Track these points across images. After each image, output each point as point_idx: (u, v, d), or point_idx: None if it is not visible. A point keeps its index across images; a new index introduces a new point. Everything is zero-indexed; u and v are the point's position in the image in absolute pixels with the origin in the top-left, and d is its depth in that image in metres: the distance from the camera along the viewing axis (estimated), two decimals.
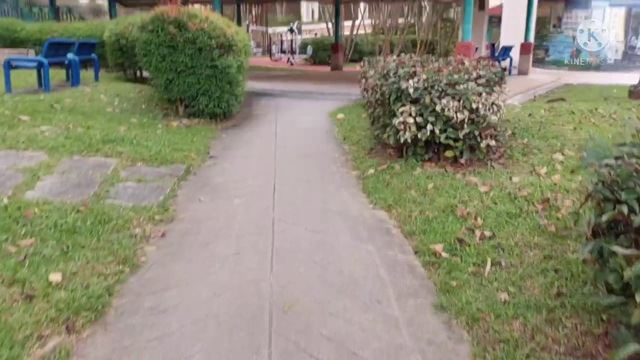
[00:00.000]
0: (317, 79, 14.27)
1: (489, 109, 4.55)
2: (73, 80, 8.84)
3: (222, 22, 7.20)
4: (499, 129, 4.66)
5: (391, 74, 5.08)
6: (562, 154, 4.71)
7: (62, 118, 6.00)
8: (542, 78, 14.18)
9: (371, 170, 4.81)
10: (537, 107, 7.40)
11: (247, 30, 29.05)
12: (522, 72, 14.50)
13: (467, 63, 5.32)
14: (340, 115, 7.77)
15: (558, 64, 17.15)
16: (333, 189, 4.46)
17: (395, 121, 4.60)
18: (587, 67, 16.89)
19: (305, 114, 8.28)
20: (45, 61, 7.64)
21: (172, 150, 5.25)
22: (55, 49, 8.18)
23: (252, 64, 22.19)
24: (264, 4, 28.16)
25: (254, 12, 33.18)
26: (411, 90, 4.58)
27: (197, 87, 6.90)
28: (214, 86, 6.95)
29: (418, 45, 26.46)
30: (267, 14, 32.76)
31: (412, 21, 26.72)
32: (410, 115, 4.54)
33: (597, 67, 16.73)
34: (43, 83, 7.96)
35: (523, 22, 22.01)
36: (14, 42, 14.54)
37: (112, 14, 15.77)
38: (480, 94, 4.52)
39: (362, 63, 8.65)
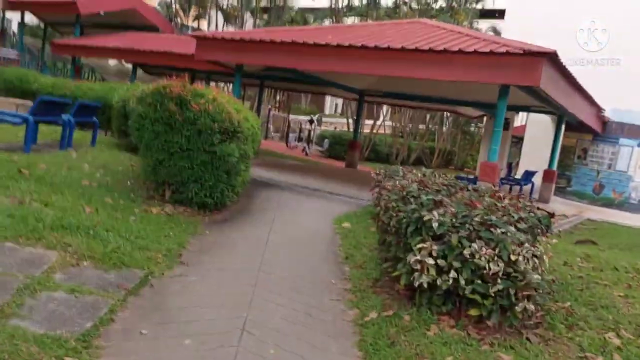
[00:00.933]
0: (329, 175, 13.59)
1: (529, 263, 3.59)
2: (64, 142, 8.15)
3: (231, 105, 6.56)
4: (540, 290, 3.67)
5: (411, 199, 4.21)
6: (618, 335, 3.66)
7: (23, 187, 5.15)
8: (563, 209, 13.37)
9: (373, 314, 3.78)
10: (570, 253, 6.43)
11: (268, 114, 29.27)
12: (543, 199, 13.72)
13: (506, 201, 4.43)
14: (347, 224, 6.86)
15: (579, 195, 16.42)
16: (320, 340, 3.41)
17: (411, 258, 3.65)
18: (609, 203, 16.10)
19: (307, 216, 7.38)
20: (31, 119, 6.98)
21: (135, 248, 4.30)
22: (48, 108, 7.57)
23: (267, 149, 21.97)
24: (289, 91, 28.55)
25: (278, 98, 33.76)
26: (435, 225, 3.67)
27: (189, 173, 6.09)
28: (209, 174, 6.15)
29: (436, 154, 26.22)
30: (291, 101, 33.27)
31: (433, 129, 26.71)
32: (430, 254, 3.59)
33: (620, 205, 15.93)
34: (27, 141, 7.25)
35: (544, 146, 21.71)
36: (26, 94, 14.27)
37: (132, 78, 15.62)
38: (521, 244, 3.58)
39: (377, 172, 7.90)
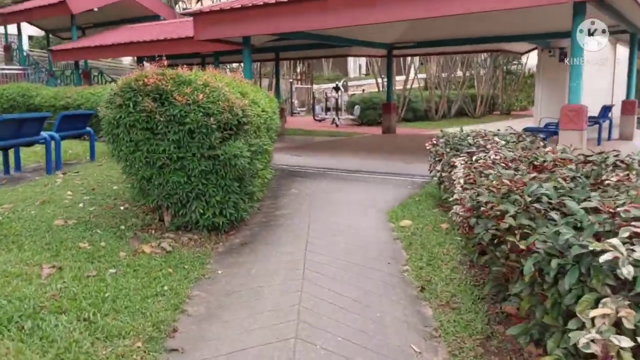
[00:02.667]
0: (366, 148, 11.83)
1: None
2: (49, 165, 6.75)
3: (233, 89, 4.92)
4: None
5: (546, 211, 2.44)
6: None
7: None
8: None
9: None
10: None
11: (291, 89, 27.46)
12: (625, 136, 11.56)
13: None
14: (406, 222, 5.16)
15: None
16: None
17: (579, 338, 1.91)
18: None
19: (351, 214, 5.73)
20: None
21: (100, 337, 2.78)
22: (17, 126, 6.12)
23: (293, 126, 20.26)
24: (309, 59, 26.61)
25: (298, 69, 31.87)
26: (626, 270, 1.92)
27: (188, 188, 4.53)
28: (214, 186, 4.57)
29: (478, 101, 23.89)
30: (312, 71, 31.30)
31: (469, 74, 24.27)
32: (617, 325, 1.87)
33: None
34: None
35: (599, 77, 19.09)
36: (29, 109, 13.12)
37: None
38: None
39: (434, 140, 6.12)
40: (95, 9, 16.14)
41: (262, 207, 5.99)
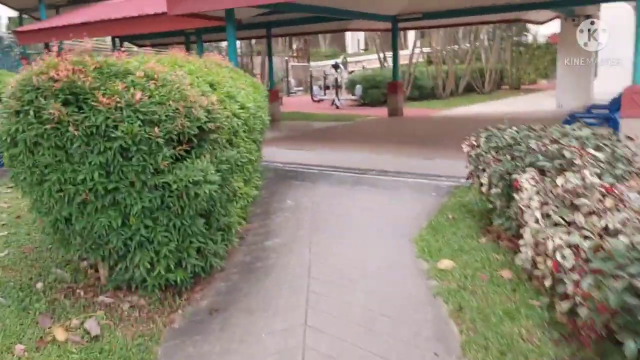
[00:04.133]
0: (373, 137, 10.30)
1: None
2: None
3: (198, 78, 3.41)
4: None
5: None
6: None
7: None
8: None
9: None
10: None
11: (287, 67, 25.70)
12: None
13: None
14: (446, 263, 3.65)
15: None
16: None
17: None
18: None
19: (365, 243, 4.25)
20: None
21: None
22: None
23: (290, 108, 18.62)
24: (304, 35, 24.80)
25: (294, 46, 29.98)
26: None
27: (126, 234, 3.02)
28: (164, 229, 3.06)
29: (487, 76, 22.19)
30: (308, 47, 29.46)
31: (475, 47, 22.48)
32: None
33: None
34: None
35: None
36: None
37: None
38: None
39: (473, 141, 4.60)
40: None
41: (247, 232, 4.52)
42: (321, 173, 6.90)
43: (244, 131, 4.04)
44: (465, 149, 4.65)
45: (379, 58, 21.11)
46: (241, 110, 3.93)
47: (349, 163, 7.38)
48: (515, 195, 3.56)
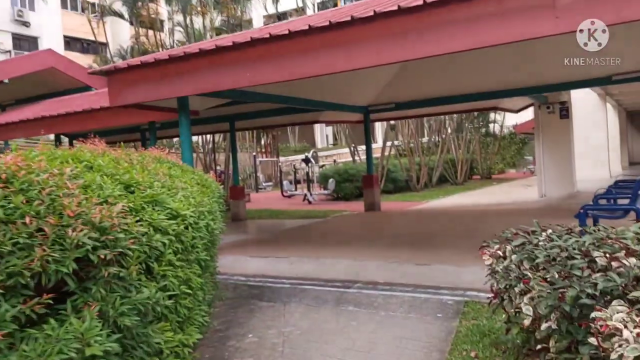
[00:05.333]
0: (353, 237, 9.02)
1: None
2: None
3: (108, 178, 2.16)
4: None
5: None
6: None
7: None
8: None
9: None
10: None
11: (255, 162, 24.90)
12: None
13: None
14: None
15: None
16: None
17: None
18: None
19: None
20: None
21: None
22: None
23: (258, 205, 17.38)
24: (271, 129, 24.30)
25: (262, 142, 29.48)
26: None
27: None
28: None
29: (459, 167, 21.77)
30: (277, 142, 28.99)
31: (439, 139, 22.25)
32: None
33: None
34: None
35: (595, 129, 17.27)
36: None
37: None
38: None
39: (499, 250, 3.37)
40: (6, 81, 13.38)
41: None
42: (294, 288, 5.50)
43: (176, 251, 2.72)
44: (488, 260, 3.40)
45: (350, 151, 20.52)
46: (170, 222, 2.64)
47: (328, 273, 6.04)
48: (592, 341, 2.29)
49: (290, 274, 6.18)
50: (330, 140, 40.65)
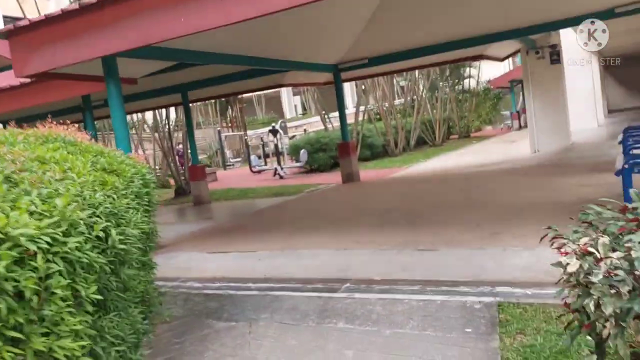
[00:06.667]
0: (335, 216, 7.65)
1: None
2: None
3: None
4: None
5: None
6: None
7: None
8: None
9: None
10: None
11: (220, 138, 23.24)
12: None
13: None
14: None
15: None
16: None
17: None
18: None
19: None
20: None
21: None
22: None
23: (225, 184, 15.83)
24: (231, 96, 22.57)
25: (228, 115, 27.66)
26: None
27: None
28: None
29: (437, 127, 20.59)
30: (243, 115, 27.22)
31: (413, 98, 20.97)
32: None
33: None
34: None
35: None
36: None
37: None
38: None
39: (586, 245, 2.07)
40: None
41: None
42: (264, 296, 4.15)
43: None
44: (565, 259, 2.09)
45: (322, 118, 19.07)
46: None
47: (307, 270, 4.70)
48: None
49: (259, 274, 4.83)
50: (300, 110, 38.96)
